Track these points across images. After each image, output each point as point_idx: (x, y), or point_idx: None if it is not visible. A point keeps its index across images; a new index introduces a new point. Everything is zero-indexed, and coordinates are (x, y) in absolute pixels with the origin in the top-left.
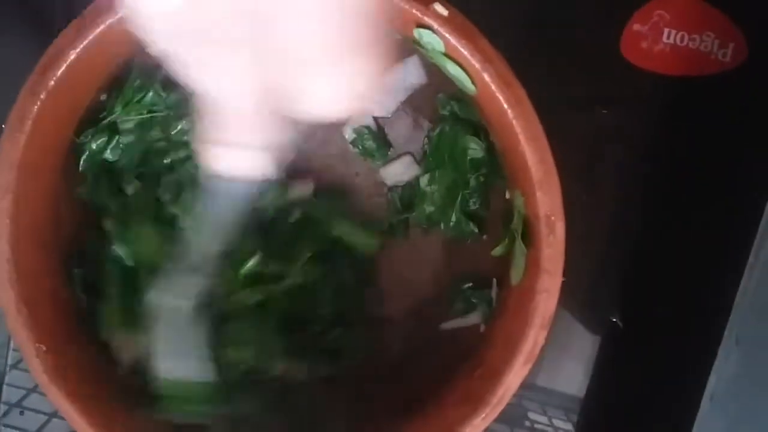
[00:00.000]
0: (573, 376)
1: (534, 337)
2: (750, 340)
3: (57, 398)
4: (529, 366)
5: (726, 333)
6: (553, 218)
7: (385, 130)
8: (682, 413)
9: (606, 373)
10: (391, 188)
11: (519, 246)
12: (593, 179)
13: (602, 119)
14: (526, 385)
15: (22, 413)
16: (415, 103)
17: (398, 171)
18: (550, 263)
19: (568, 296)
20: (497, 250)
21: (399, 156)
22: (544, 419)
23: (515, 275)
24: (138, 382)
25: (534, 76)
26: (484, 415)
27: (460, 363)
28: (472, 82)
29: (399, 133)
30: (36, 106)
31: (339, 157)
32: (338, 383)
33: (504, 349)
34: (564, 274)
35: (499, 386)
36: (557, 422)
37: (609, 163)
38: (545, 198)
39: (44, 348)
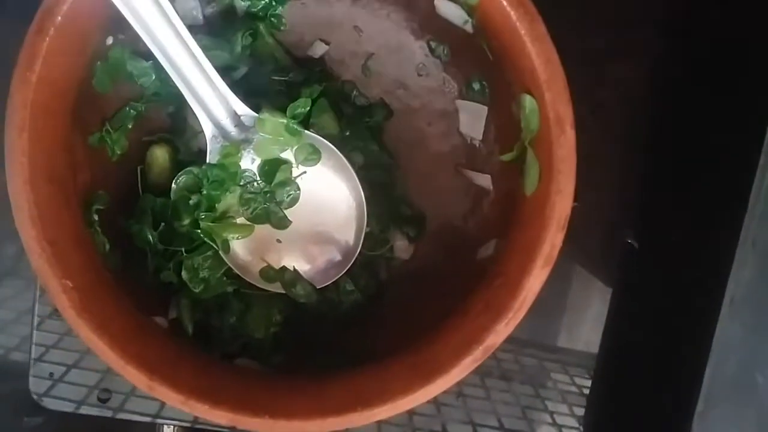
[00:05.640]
0: (592, 336)
1: (551, 240)
2: (765, 242)
3: (86, 333)
4: (548, 269)
5: (741, 237)
6: (562, 117)
7: None
8: (702, 323)
9: (624, 298)
10: None
11: (530, 155)
12: (600, 102)
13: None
14: (547, 347)
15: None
16: None
17: None
18: (562, 164)
19: (583, 232)
20: (506, 156)
21: None
22: (566, 378)
23: (530, 185)
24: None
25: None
26: (506, 321)
27: (480, 277)
28: None
29: None
30: (44, 44)
31: None
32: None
33: (523, 256)
34: (575, 198)
35: (520, 291)
36: (579, 380)
37: (615, 87)
38: (553, 98)
39: (70, 284)
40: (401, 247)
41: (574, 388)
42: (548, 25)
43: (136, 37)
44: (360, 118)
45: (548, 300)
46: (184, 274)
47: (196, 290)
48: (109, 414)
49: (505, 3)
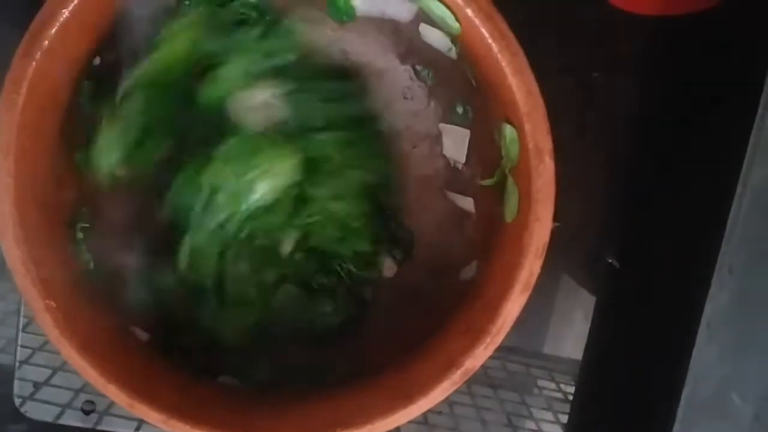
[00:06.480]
0: (577, 343)
1: (530, 266)
2: (741, 268)
3: (68, 351)
4: (526, 295)
5: (719, 262)
6: (541, 148)
7: None
8: (680, 345)
9: (605, 316)
10: None
11: (510, 182)
12: (583, 122)
13: (591, 55)
14: (534, 354)
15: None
16: None
17: None
18: (540, 193)
19: (565, 251)
20: (486, 182)
21: None
22: (552, 385)
23: (509, 212)
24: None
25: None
26: (484, 345)
27: (462, 298)
28: (456, 20)
29: None
30: (31, 68)
31: None
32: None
33: (502, 281)
34: (556, 219)
35: (499, 316)
36: (565, 387)
37: (599, 107)
38: (533, 129)
39: (54, 304)
40: (386, 265)
41: (559, 395)
42: (535, 38)
43: (124, 56)
44: None
45: (535, 307)
46: None
47: None
48: (93, 422)
49: (486, 34)
